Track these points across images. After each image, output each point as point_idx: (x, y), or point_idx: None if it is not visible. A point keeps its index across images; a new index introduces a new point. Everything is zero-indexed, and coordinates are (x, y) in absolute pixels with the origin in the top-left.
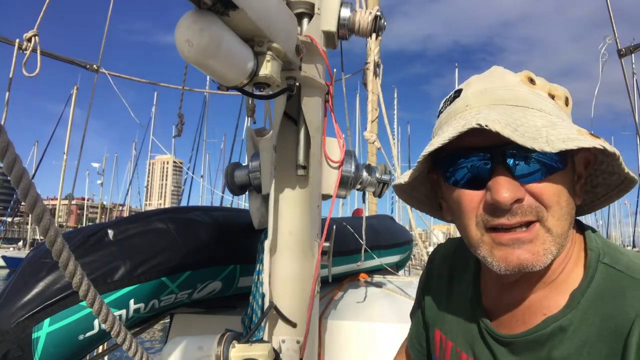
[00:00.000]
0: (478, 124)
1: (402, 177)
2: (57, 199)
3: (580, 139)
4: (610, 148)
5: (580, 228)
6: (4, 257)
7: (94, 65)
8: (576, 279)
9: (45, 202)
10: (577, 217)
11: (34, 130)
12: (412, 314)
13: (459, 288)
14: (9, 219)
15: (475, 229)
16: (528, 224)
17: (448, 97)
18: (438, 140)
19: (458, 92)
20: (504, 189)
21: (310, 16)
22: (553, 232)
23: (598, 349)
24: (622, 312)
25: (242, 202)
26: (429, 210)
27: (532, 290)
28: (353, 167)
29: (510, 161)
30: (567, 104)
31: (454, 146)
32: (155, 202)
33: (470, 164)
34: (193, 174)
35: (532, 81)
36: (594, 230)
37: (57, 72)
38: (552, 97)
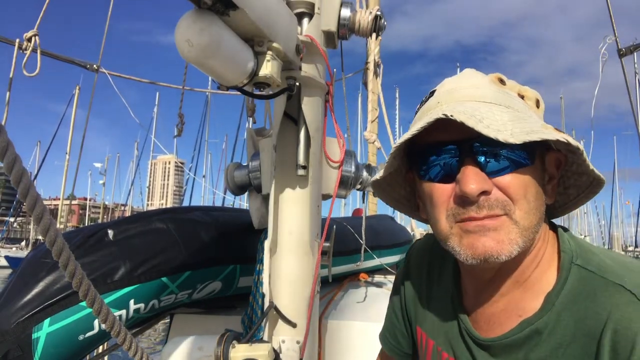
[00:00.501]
0: (444, 114)
1: (378, 174)
2: (59, 199)
3: (544, 131)
4: (574, 142)
5: (553, 229)
6: (6, 257)
7: (94, 65)
8: (550, 280)
9: (47, 202)
10: (552, 220)
11: (36, 130)
12: (387, 309)
13: (438, 286)
14: (12, 219)
15: (445, 222)
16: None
17: (424, 98)
18: (408, 133)
19: (432, 93)
20: (472, 180)
21: (311, 16)
22: (520, 225)
23: (573, 351)
24: (594, 314)
25: (244, 202)
26: (406, 210)
27: (507, 289)
28: (353, 167)
29: (481, 158)
30: (538, 105)
31: (425, 142)
32: (157, 202)
33: (441, 160)
34: (195, 174)
35: (502, 81)
36: (565, 230)
37: (59, 71)
38: (522, 97)
